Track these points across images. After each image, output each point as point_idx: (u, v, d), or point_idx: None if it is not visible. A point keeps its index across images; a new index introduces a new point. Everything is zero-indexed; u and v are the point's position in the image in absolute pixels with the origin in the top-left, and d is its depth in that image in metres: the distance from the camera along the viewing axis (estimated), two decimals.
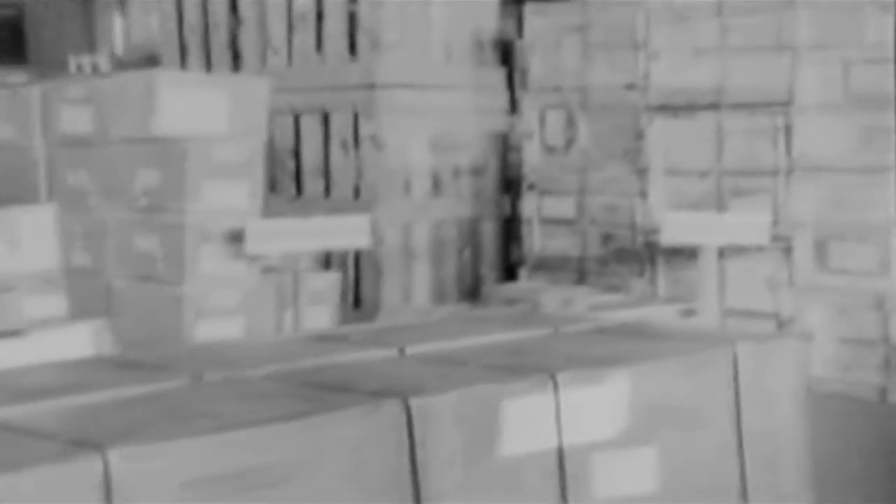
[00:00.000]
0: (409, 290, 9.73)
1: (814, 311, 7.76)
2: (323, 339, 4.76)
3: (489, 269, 10.01)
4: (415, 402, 3.63)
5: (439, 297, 9.79)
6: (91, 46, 17.95)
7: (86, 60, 16.49)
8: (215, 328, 7.16)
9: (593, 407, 4.05)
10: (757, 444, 4.44)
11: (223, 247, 7.12)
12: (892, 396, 7.44)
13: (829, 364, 7.73)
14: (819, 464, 6.38)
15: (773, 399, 4.46)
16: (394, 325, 5.56)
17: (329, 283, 7.61)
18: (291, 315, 7.22)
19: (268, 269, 7.37)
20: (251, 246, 6.98)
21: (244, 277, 7.25)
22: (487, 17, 9.93)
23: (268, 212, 10.22)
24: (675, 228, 7.12)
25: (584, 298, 7.31)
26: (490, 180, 10.00)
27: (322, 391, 3.79)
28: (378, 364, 4.22)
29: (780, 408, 4.49)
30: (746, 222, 7.34)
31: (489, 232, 10.04)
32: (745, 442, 4.50)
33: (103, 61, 16.52)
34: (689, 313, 7.35)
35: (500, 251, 10.02)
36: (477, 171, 9.94)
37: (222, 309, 7.20)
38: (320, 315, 7.50)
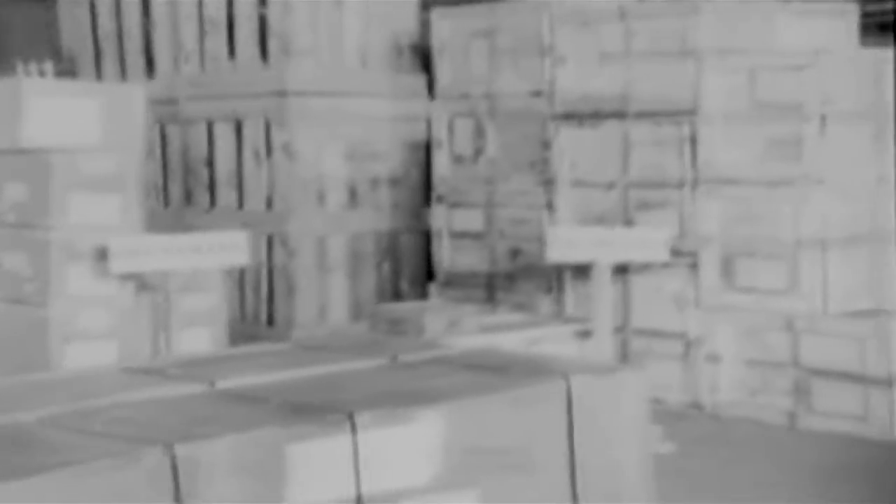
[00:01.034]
0: (325, 306, 9.33)
1: (721, 332, 7.35)
2: (135, 373, 4.46)
3: (410, 284, 9.62)
4: (181, 450, 3.29)
5: (357, 312, 9.39)
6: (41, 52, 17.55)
7: (33, 67, 16.14)
8: (85, 352, 6.77)
9: (400, 450, 3.73)
10: (594, 482, 4.18)
11: (93, 265, 6.73)
12: (801, 422, 7.02)
13: (736, 387, 7.32)
14: (723, 491, 6.03)
15: (613, 433, 4.19)
16: (222, 355, 5.24)
17: (210, 303, 7.21)
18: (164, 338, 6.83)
19: (142, 289, 6.98)
20: (116, 264, 6.58)
21: (116, 298, 6.86)
22: (406, 22, 9.53)
23: (176, 225, 9.88)
24: (560, 245, 6.71)
25: (471, 319, 6.91)
26: (410, 191, 9.59)
27: (87, 437, 3.47)
28: (169, 403, 3.91)
29: (621, 442, 4.22)
30: (643, 237, 6.93)
31: (410, 245, 9.64)
32: (581, 480, 4.24)
33: (48, 67, 16.16)
34: (585, 334, 6.94)
35: (421, 265, 9.62)
36: (396, 182, 9.54)
37: (92, 332, 6.80)
38: (198, 338, 7.11)
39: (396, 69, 9.50)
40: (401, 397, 3.79)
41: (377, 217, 9.56)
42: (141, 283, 6.96)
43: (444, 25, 8.58)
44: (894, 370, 6.75)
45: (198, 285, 7.11)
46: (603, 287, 6.79)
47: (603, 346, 6.79)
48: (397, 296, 9.50)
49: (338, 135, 9.34)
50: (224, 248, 6.85)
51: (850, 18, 7.86)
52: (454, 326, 6.78)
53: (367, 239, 9.56)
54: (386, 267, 9.61)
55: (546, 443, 4.18)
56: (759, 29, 7.34)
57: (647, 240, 6.91)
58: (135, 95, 7.24)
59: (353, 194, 9.46)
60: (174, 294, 6.78)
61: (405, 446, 3.62)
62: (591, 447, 4.16)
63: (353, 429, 3.58)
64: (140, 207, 7.10)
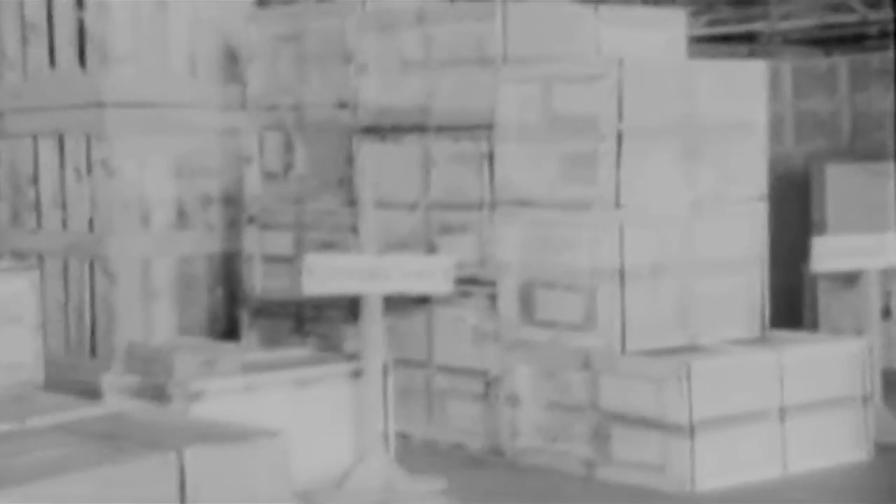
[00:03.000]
0: (151, 335, 8.63)
1: (520, 371, 6.61)
2: None
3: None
4: None
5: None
6: None
7: None
8: None
9: None
10: None
11: None
12: (600, 472, 6.27)
13: (536, 432, 6.58)
14: None
15: None
16: None
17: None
18: None
19: None
20: None
21: None
22: (239, 28, 8.78)
23: (1, 248, 9.20)
24: (318, 275, 5.97)
25: (230, 358, 6.18)
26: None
27: None
28: None
29: None
30: (424, 266, 6.18)
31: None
32: None
33: None
34: (358, 373, 6.20)
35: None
36: (230, 200, 8.81)
37: None
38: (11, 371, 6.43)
39: (229, 77, 8.79)
40: None
41: (209, 238, 8.86)
42: None
43: (253, 29, 7.86)
44: (697, 416, 6.00)
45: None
46: (372, 322, 6.05)
47: (373, 387, 6.05)
48: (232, 323, 8.79)
49: (163, 149, 8.66)
50: None
51: (675, 29, 7.11)
52: (209, 367, 6.05)
53: (198, 262, 8.87)
54: (219, 292, 8.91)
55: None
56: (562, 36, 6.60)
57: (428, 269, 6.16)
58: None
59: (181, 214, 8.76)
60: None
61: None
62: None
63: None
64: None
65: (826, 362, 6.44)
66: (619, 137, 6.17)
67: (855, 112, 9.97)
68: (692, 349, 6.36)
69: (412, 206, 7.02)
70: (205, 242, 8.88)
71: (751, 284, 6.56)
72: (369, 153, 7.20)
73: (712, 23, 20.27)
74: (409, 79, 6.99)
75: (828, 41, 18.10)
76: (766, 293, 6.62)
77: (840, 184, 8.70)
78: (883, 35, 15.23)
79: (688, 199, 6.40)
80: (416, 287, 6.16)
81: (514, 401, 6.62)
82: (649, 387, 6.11)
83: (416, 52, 6.96)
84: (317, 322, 7.54)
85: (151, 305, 8.67)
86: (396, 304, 6.79)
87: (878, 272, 6.92)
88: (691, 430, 5.99)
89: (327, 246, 7.50)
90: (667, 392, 6.04)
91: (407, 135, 7.01)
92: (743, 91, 6.50)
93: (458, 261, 6.67)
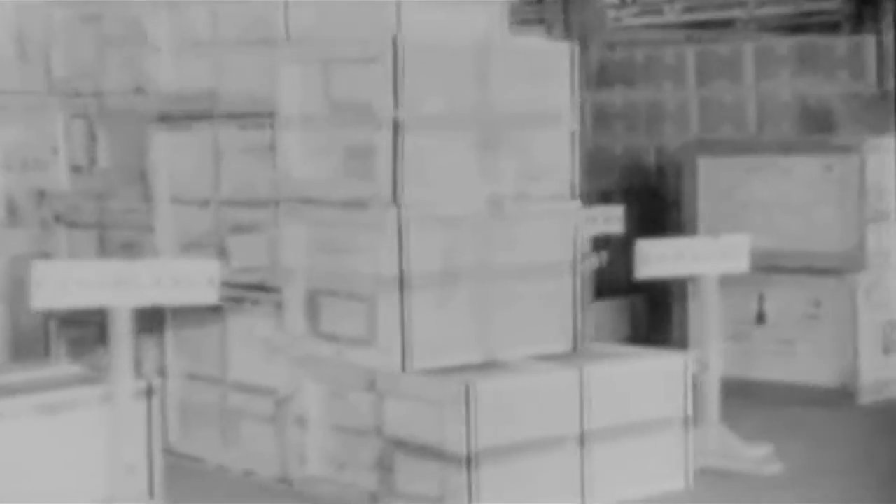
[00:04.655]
0: None
1: (309, 389, 5.89)
2: None
3: None
4: None
5: (19, 353, 7.97)
6: None
7: None
8: None
9: None
10: None
11: None
12: None
13: (324, 459, 5.86)
14: None
15: None
16: None
17: None
18: None
19: None
20: None
21: None
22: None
23: None
24: (49, 287, 5.25)
25: None
26: None
27: None
28: None
29: None
30: (184, 273, 5.44)
31: None
32: None
33: None
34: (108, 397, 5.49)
35: None
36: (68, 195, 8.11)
37: None
38: None
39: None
40: None
41: (43, 236, 8.15)
42: None
43: (56, 10, 7.14)
44: (480, 444, 5.26)
45: None
46: (121, 339, 5.33)
47: (121, 414, 5.32)
48: None
49: None
50: None
51: (496, 9, 6.32)
52: None
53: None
54: None
55: None
56: (355, 14, 5.85)
57: (188, 276, 5.43)
58: None
59: (11, 210, 8.06)
60: None
61: None
62: None
63: None
64: None
65: (639, 381, 5.69)
66: (398, 126, 5.43)
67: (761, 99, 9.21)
68: (488, 367, 5.61)
69: (204, 203, 6.31)
70: (38, 241, 8.18)
71: (561, 293, 5.80)
72: (163, 144, 6.49)
73: (688, 9, 19.65)
74: (200, 61, 6.27)
75: (806, 28, 17.44)
76: (581, 303, 5.86)
77: (714, 178, 7.91)
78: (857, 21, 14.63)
79: (484, 196, 5.65)
80: (173, 297, 5.42)
81: (302, 423, 5.90)
82: (430, 411, 5.38)
83: (206, 31, 6.24)
84: None
85: None
86: (190, 313, 6.11)
87: (717, 278, 6.16)
88: (471, 461, 5.25)
89: (128, 247, 6.79)
90: (447, 417, 5.30)
91: (196, 123, 6.29)
92: (546, 77, 5.74)
93: (247, 265, 6.00)
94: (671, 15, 19.64)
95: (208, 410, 6.35)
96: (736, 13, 17.70)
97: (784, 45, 9.73)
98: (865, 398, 7.49)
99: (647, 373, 5.73)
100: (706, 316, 6.20)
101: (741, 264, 6.14)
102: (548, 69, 5.74)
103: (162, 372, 6.49)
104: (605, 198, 10.35)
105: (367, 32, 5.69)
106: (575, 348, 5.85)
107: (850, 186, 7.48)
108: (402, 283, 5.46)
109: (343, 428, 5.77)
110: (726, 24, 17.82)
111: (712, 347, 6.11)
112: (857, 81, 8.88)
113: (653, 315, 8.83)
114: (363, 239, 5.58)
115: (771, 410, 7.26)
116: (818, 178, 7.62)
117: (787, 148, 7.80)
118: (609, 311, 8.74)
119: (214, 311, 6.24)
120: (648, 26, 19.20)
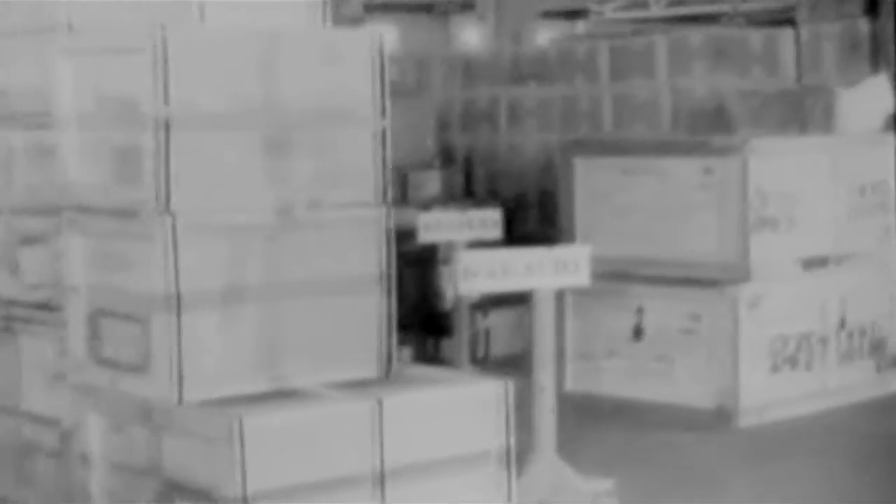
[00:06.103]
0: None
1: (91, 421, 5.26)
2: None
3: None
4: None
5: None
6: None
7: None
8: None
9: None
10: None
11: None
12: None
13: (110, 501, 5.23)
14: None
15: None
16: None
17: None
18: None
19: None
20: None
21: None
22: None
23: None
24: None
25: None
26: None
27: None
28: None
29: None
30: None
31: None
32: None
33: None
34: None
35: None
36: None
37: None
38: None
39: None
40: None
41: None
42: None
43: None
44: (253, 487, 4.62)
45: None
46: None
47: None
48: None
49: None
50: None
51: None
52: None
53: None
54: None
55: None
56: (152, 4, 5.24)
57: None
58: None
59: None
60: None
61: None
62: None
63: None
64: None
65: (450, 411, 5.03)
66: (167, 126, 4.79)
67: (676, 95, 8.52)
68: (277, 396, 4.97)
69: None
70: None
71: (365, 311, 5.15)
72: None
73: (674, 3, 19.23)
74: None
75: (794, 21, 16.97)
76: (392, 323, 5.21)
77: (591, 181, 7.23)
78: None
79: (273, 204, 5.01)
80: None
81: (85, 460, 5.27)
82: (204, 449, 4.75)
83: None
84: None
85: None
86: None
87: (552, 293, 5.50)
88: None
89: None
90: (218, 456, 4.67)
91: None
92: (347, 71, 5.10)
93: (38, 281, 5.39)
94: (656, 9, 19.11)
95: (4, 445, 5.75)
96: (723, 7, 17.34)
97: (697, 38, 9.03)
98: (746, 421, 6.82)
99: (458, 401, 5.07)
100: (539, 334, 5.54)
101: (581, 278, 5.48)
102: (349, 62, 5.10)
103: None
104: (518, 200, 9.76)
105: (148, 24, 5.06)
106: (387, 373, 5.20)
107: (731, 191, 6.79)
108: (178, 303, 4.83)
109: (123, 466, 5.14)
110: (713, 18, 17.42)
111: (547, 369, 5.45)
112: (771, 77, 8.26)
113: None
114: (136, 252, 4.96)
115: (638, 434, 6.62)
116: (697, 181, 6.93)
117: (664, 149, 7.11)
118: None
119: (7, 332, 5.66)
120: (633, 21, 18.71)
